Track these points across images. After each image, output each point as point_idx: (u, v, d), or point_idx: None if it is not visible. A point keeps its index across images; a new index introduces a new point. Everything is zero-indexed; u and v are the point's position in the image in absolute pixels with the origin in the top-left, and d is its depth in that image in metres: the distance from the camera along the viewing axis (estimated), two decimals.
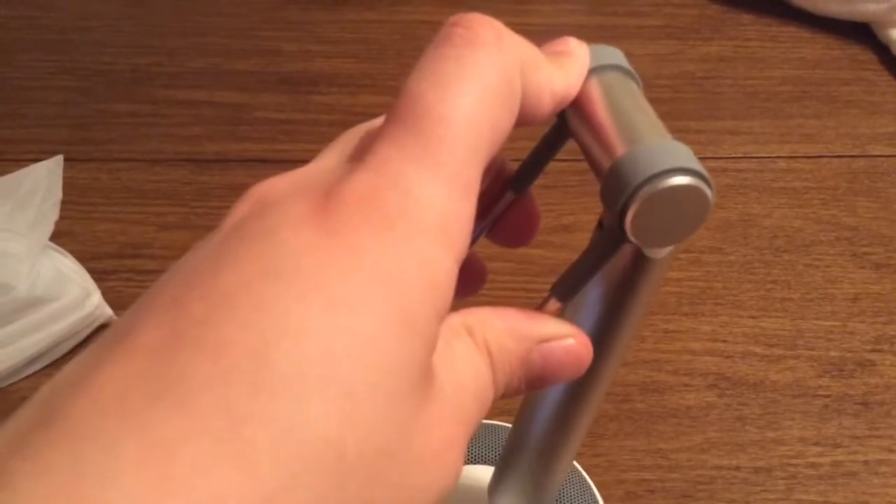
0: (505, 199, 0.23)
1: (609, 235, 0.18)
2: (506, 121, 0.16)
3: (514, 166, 0.23)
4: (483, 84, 0.16)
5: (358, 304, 0.13)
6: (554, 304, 0.20)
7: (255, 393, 0.12)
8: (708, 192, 0.17)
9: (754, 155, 0.59)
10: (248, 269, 0.14)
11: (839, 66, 0.66)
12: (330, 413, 0.12)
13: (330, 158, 0.18)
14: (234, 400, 0.12)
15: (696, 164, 0.17)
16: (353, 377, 0.13)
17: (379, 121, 0.18)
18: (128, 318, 0.14)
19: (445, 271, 0.15)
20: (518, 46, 0.17)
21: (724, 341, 0.47)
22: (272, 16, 0.70)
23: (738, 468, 0.42)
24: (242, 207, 0.16)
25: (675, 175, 0.17)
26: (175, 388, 0.12)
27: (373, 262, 0.14)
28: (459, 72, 0.16)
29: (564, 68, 0.19)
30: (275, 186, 0.16)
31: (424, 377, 0.14)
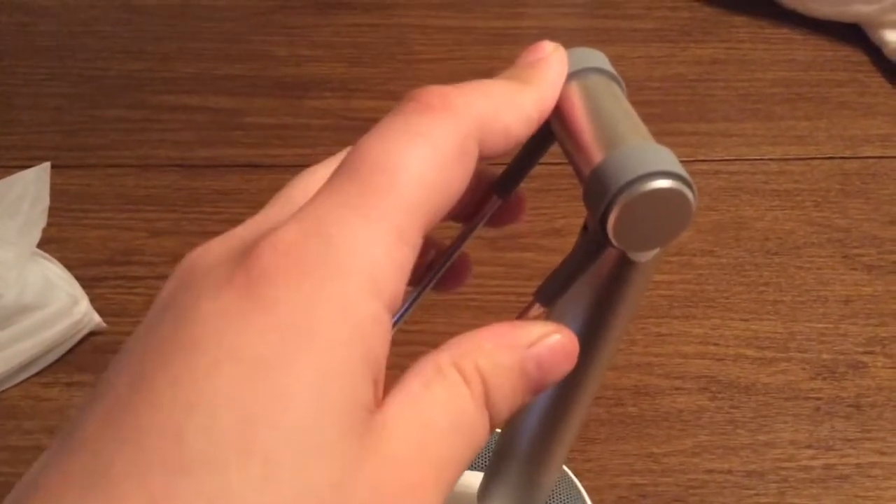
0: (491, 202, 0.23)
1: (592, 239, 0.18)
2: (457, 180, 0.16)
3: (498, 170, 0.23)
4: (430, 143, 0.16)
5: (272, 364, 0.13)
6: (537, 309, 0.20)
7: (172, 473, 0.12)
8: (690, 195, 0.17)
9: (746, 157, 0.59)
10: (167, 346, 0.14)
11: (831, 68, 0.67)
12: (251, 483, 0.12)
13: (274, 210, 0.18)
14: (153, 483, 0.12)
15: (678, 168, 0.17)
16: (271, 442, 0.13)
17: (328, 163, 0.18)
18: (82, 406, 0.15)
19: (370, 315, 0.14)
20: (471, 106, 0.17)
21: (716, 344, 0.47)
22: (264, 20, 0.70)
23: (729, 472, 0.42)
24: (173, 282, 0.16)
25: (656, 179, 0.17)
26: (102, 479, 0.13)
27: (287, 315, 0.14)
28: (407, 131, 0.16)
29: (537, 85, 0.19)
30: (201, 257, 0.16)
31: (359, 426, 0.14)
